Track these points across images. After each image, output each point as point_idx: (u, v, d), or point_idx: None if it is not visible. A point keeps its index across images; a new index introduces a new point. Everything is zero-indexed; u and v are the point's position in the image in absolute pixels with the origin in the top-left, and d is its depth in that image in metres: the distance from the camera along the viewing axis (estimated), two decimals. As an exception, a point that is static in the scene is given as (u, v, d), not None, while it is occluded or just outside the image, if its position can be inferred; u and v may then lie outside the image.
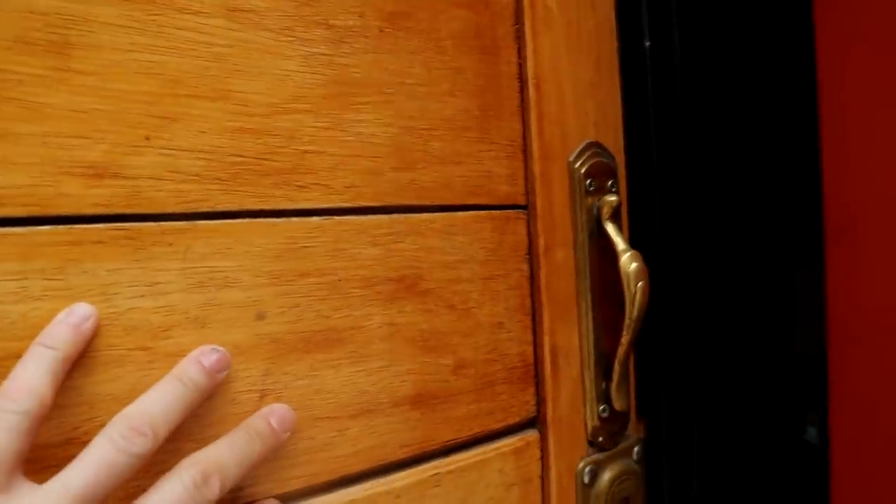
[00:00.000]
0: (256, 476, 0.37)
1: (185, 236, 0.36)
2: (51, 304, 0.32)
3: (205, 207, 0.36)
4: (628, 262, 0.50)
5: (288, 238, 0.39)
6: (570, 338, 0.52)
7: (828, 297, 0.59)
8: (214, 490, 0.31)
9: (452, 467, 0.46)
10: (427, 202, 0.45)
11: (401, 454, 0.44)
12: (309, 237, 0.40)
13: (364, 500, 0.42)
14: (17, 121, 0.31)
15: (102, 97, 0.34)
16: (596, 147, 0.53)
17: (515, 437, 0.50)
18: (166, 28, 0.35)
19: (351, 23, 0.42)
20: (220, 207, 0.37)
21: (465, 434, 0.47)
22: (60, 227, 0.32)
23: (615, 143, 0.55)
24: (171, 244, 0.35)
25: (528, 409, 0.51)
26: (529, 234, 0.51)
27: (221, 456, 0.33)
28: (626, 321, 0.50)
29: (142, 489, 0.31)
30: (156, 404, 0.32)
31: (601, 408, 0.53)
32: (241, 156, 0.38)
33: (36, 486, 0.28)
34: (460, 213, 0.47)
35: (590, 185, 0.52)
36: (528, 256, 0.51)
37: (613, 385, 0.52)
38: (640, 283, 0.49)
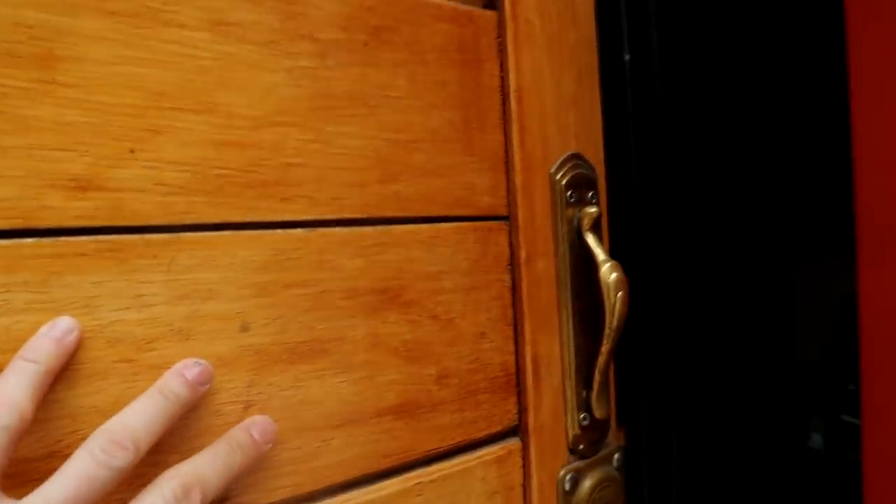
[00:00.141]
0: (241, 486, 0.37)
1: (169, 248, 0.36)
2: (34, 316, 0.32)
3: (189, 219, 0.37)
4: (608, 272, 0.51)
5: (272, 250, 0.39)
6: (551, 347, 0.52)
7: (861, 305, 0.59)
8: (195, 502, 0.32)
9: (435, 476, 0.47)
10: (410, 214, 0.46)
11: (384, 464, 0.44)
12: (293, 249, 0.40)
13: (347, 510, 0.42)
14: (1, 133, 0.31)
15: (87, 110, 0.34)
16: (577, 159, 0.54)
17: (498, 446, 0.51)
18: (151, 41, 0.36)
19: (335, 37, 0.42)
20: (205, 219, 0.37)
21: (448, 443, 0.48)
22: (44, 239, 0.32)
23: (595, 154, 0.56)
24: (155, 256, 0.35)
25: (510, 418, 0.52)
26: (511, 244, 0.51)
27: (202, 468, 0.33)
28: (606, 331, 0.51)
29: (123, 502, 0.31)
30: (137, 417, 0.32)
31: (582, 416, 0.54)
32: (225, 168, 0.38)
33: (15, 501, 0.28)
34: (443, 225, 0.47)
35: (570, 196, 0.53)
36: (509, 267, 0.51)
37: (594, 394, 0.53)
38: (619, 294, 0.50)
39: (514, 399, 0.52)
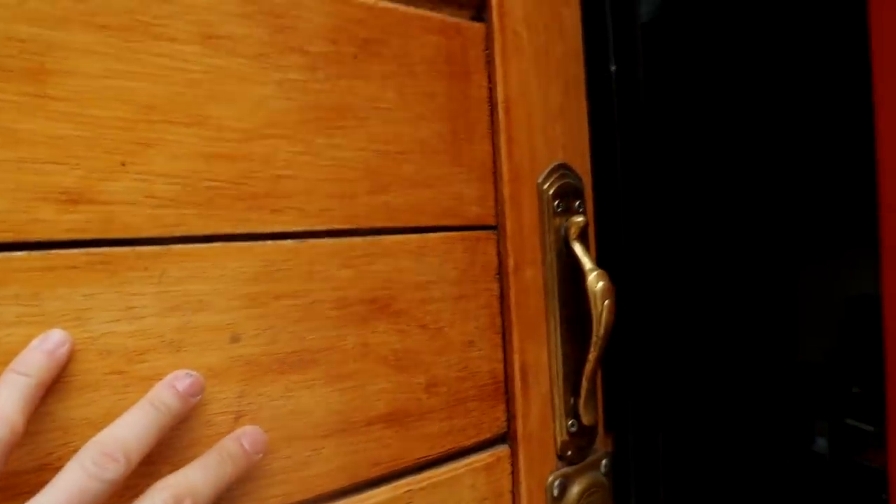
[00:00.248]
0: (233, 496, 0.38)
1: (160, 260, 0.36)
2: (25, 329, 0.32)
3: (180, 232, 0.37)
4: (595, 281, 0.51)
5: (263, 261, 0.40)
6: (539, 355, 0.53)
7: (885, 307, 0.58)
8: None
9: (425, 484, 0.47)
10: (399, 224, 0.46)
11: (374, 472, 0.45)
12: (283, 260, 0.40)
13: (338, 519, 0.42)
14: (-7, 147, 0.31)
15: (78, 123, 0.34)
16: (564, 169, 0.55)
17: (486, 453, 0.51)
18: (142, 55, 0.36)
19: (325, 49, 0.43)
20: (195, 231, 0.37)
21: (438, 451, 0.48)
22: (35, 252, 0.33)
23: (582, 164, 0.57)
24: (146, 268, 0.36)
25: (499, 426, 0.52)
26: (499, 254, 0.52)
27: (194, 479, 0.33)
28: (593, 338, 0.52)
29: (116, 513, 0.31)
30: (129, 429, 0.32)
31: (570, 423, 0.54)
32: (215, 180, 0.38)
33: None
34: (432, 235, 0.48)
35: (558, 206, 0.53)
36: (497, 276, 0.52)
37: (581, 400, 0.54)
38: (606, 302, 0.51)
39: (502, 406, 0.52)
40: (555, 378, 0.54)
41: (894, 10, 0.53)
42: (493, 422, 0.52)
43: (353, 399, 0.43)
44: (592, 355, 0.52)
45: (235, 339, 0.38)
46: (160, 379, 0.35)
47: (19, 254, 0.32)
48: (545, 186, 0.53)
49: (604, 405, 0.59)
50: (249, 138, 0.39)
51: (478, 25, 0.52)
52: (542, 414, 0.53)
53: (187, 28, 0.37)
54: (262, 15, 0.40)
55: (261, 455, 0.38)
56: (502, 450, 0.52)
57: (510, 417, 0.52)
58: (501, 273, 0.52)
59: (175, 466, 0.34)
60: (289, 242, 0.41)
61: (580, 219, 0.53)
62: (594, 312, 0.51)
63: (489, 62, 0.52)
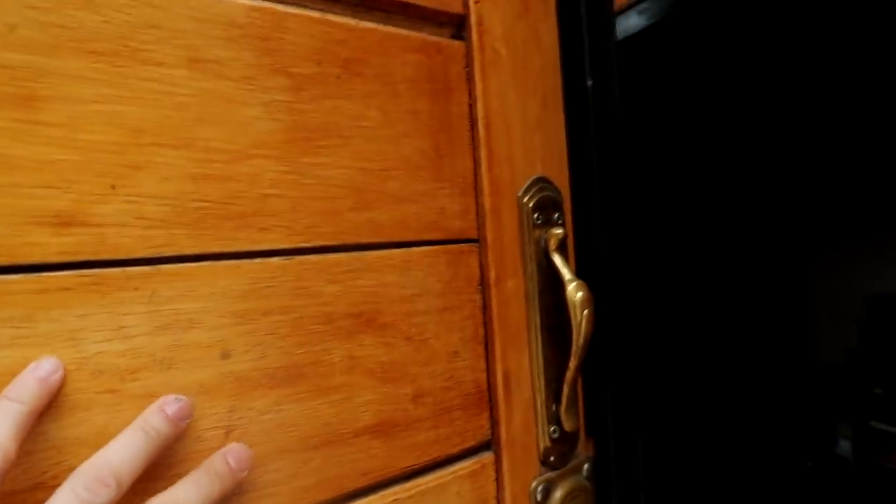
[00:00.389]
0: (224, 510, 0.38)
1: (150, 280, 0.37)
2: (19, 351, 0.33)
3: (170, 252, 0.38)
4: (574, 291, 0.53)
5: (251, 278, 0.41)
6: (521, 363, 0.54)
7: None
8: None
9: (412, 492, 0.48)
10: (384, 239, 0.47)
11: (362, 482, 0.46)
12: (272, 277, 0.41)
13: (327, 529, 0.43)
14: (-14, 174, 0.32)
15: (69, 148, 0.35)
16: (543, 182, 0.56)
17: (472, 460, 0.52)
18: (131, 79, 0.37)
19: (309, 71, 0.44)
20: (185, 251, 0.38)
21: (424, 459, 0.49)
22: (28, 275, 0.33)
23: (561, 177, 0.59)
24: (137, 288, 0.36)
25: (483, 433, 0.53)
26: (481, 266, 0.53)
27: (183, 498, 0.34)
28: (574, 347, 0.53)
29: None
30: (120, 454, 0.33)
31: (552, 429, 0.56)
32: (204, 201, 0.39)
33: None
34: (416, 249, 0.49)
35: (537, 218, 0.55)
36: (480, 287, 0.53)
37: (563, 407, 0.55)
38: (585, 311, 0.53)
39: (486, 414, 0.54)
40: (537, 386, 0.55)
41: None
42: (478, 429, 0.53)
43: (341, 411, 0.44)
44: (573, 363, 0.54)
45: (226, 356, 0.39)
46: (152, 397, 0.36)
47: (13, 277, 0.33)
48: (525, 199, 0.55)
49: (585, 411, 0.60)
50: (237, 159, 0.40)
51: (458, 43, 0.53)
52: (525, 421, 0.55)
53: (175, 52, 0.38)
54: (247, 38, 0.41)
55: (246, 472, 0.39)
56: (487, 457, 0.53)
57: (494, 425, 0.54)
58: (484, 284, 0.53)
59: (167, 481, 0.35)
60: (276, 260, 0.42)
61: (559, 231, 0.55)
62: (574, 321, 0.53)
63: (469, 79, 0.54)
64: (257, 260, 0.41)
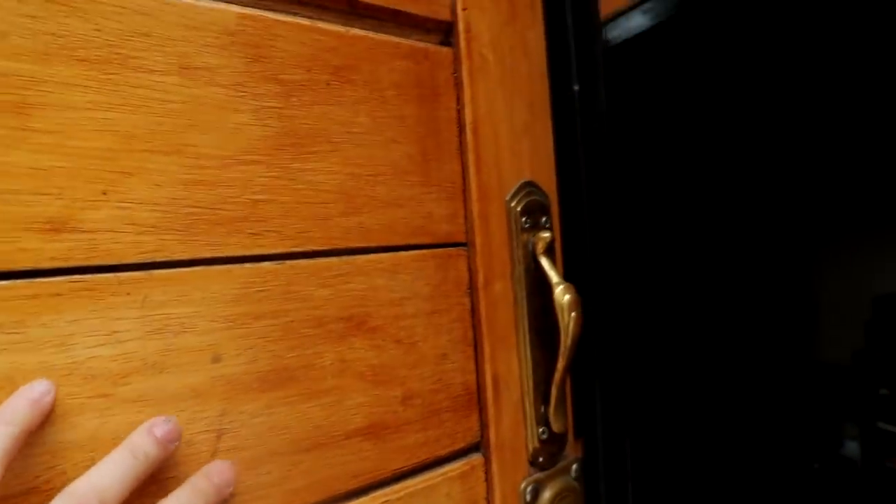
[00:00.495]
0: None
1: (142, 285, 0.37)
2: (11, 357, 0.33)
3: (161, 257, 0.38)
4: (562, 294, 0.54)
5: (243, 283, 0.41)
6: (510, 365, 0.55)
7: None
8: None
9: (402, 494, 0.49)
10: (373, 243, 0.48)
11: (353, 484, 0.46)
12: (263, 281, 0.42)
13: (318, 531, 0.44)
14: (-22, 181, 0.32)
15: (61, 154, 0.35)
16: (531, 186, 0.57)
17: (461, 462, 0.53)
18: (122, 86, 0.37)
19: (299, 77, 0.44)
20: (177, 256, 0.39)
21: (414, 461, 0.50)
22: (20, 281, 0.34)
23: (548, 181, 0.60)
24: (128, 294, 0.37)
25: (473, 435, 0.54)
26: (470, 269, 0.54)
27: None
28: (561, 349, 0.54)
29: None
30: (106, 477, 0.33)
31: (540, 430, 0.56)
32: (195, 206, 0.39)
33: None
34: (404, 253, 0.50)
35: (525, 222, 0.56)
36: (469, 291, 0.54)
37: (551, 408, 0.56)
38: (573, 314, 0.53)
39: (475, 416, 0.54)
40: (525, 387, 0.56)
41: None
42: (467, 431, 0.54)
43: (332, 414, 0.45)
44: (561, 364, 0.55)
45: (217, 360, 0.40)
46: (144, 401, 0.36)
47: (4, 282, 0.33)
48: (513, 204, 0.55)
49: (573, 412, 0.61)
50: (228, 165, 0.41)
51: (445, 50, 0.54)
52: (513, 422, 0.55)
53: (165, 59, 0.39)
54: (238, 45, 0.42)
55: (231, 489, 0.39)
56: (476, 458, 0.54)
57: (483, 426, 0.54)
58: (472, 288, 0.54)
59: (156, 485, 0.36)
60: (267, 264, 0.42)
61: (547, 234, 0.56)
62: (561, 324, 0.54)
63: (457, 85, 0.54)
64: (248, 265, 0.41)
